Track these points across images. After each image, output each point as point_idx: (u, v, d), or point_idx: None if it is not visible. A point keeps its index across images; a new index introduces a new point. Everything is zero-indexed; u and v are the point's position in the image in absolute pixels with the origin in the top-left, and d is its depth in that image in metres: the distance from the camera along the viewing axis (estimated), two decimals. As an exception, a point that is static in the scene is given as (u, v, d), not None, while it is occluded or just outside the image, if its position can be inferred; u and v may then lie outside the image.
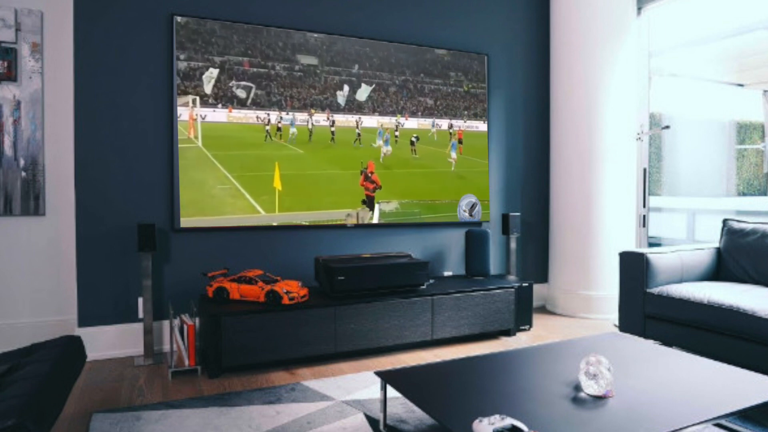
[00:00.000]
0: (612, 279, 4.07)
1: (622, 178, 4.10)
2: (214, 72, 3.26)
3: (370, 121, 3.71)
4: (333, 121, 3.59)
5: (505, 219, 4.03)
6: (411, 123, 3.87)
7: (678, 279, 3.12)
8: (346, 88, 3.64)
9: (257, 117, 3.39)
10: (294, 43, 3.47)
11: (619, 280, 3.20)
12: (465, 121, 4.06)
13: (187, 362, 2.80)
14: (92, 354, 3.02)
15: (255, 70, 3.37)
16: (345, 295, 3.09)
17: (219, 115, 3.30)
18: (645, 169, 4.14)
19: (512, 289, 3.52)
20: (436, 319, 3.28)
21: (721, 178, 4.42)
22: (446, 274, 4.04)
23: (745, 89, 4.41)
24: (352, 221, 3.65)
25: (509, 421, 1.49)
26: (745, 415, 2.05)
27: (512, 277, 3.91)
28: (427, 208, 3.92)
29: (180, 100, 3.20)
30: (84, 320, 3.05)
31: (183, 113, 3.20)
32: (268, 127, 3.41)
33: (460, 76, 4.02)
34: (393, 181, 3.79)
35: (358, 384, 2.65)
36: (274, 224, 3.43)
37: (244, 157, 3.36)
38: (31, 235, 3.17)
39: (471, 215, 3.94)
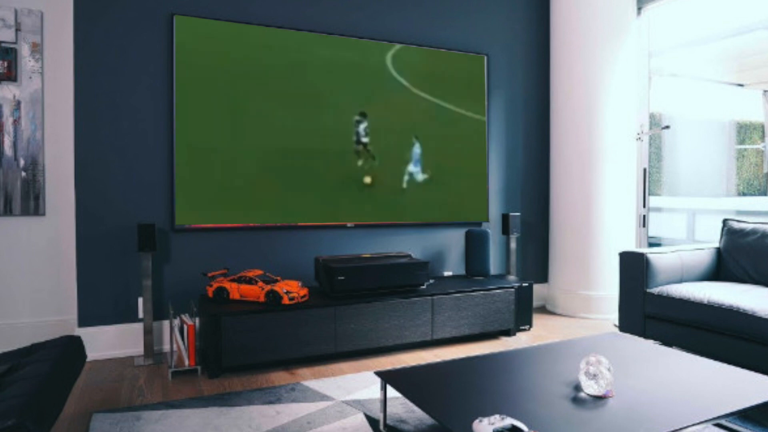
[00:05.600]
0: (612, 279, 4.07)
1: (622, 178, 4.10)
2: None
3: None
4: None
5: (505, 219, 4.03)
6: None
7: (678, 279, 3.12)
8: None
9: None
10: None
11: (619, 280, 3.20)
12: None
13: (187, 362, 2.80)
14: (92, 354, 3.02)
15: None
16: (345, 295, 3.09)
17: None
18: (645, 169, 4.14)
19: (512, 289, 3.52)
20: (436, 319, 3.28)
21: (721, 178, 4.41)
22: (446, 274, 4.04)
23: (745, 89, 4.40)
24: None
25: (509, 421, 1.49)
26: (745, 415, 2.05)
27: (512, 277, 3.91)
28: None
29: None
30: (84, 320, 3.05)
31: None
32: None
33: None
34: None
35: (358, 384, 2.65)
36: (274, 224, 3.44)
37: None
38: (31, 235, 3.17)
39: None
